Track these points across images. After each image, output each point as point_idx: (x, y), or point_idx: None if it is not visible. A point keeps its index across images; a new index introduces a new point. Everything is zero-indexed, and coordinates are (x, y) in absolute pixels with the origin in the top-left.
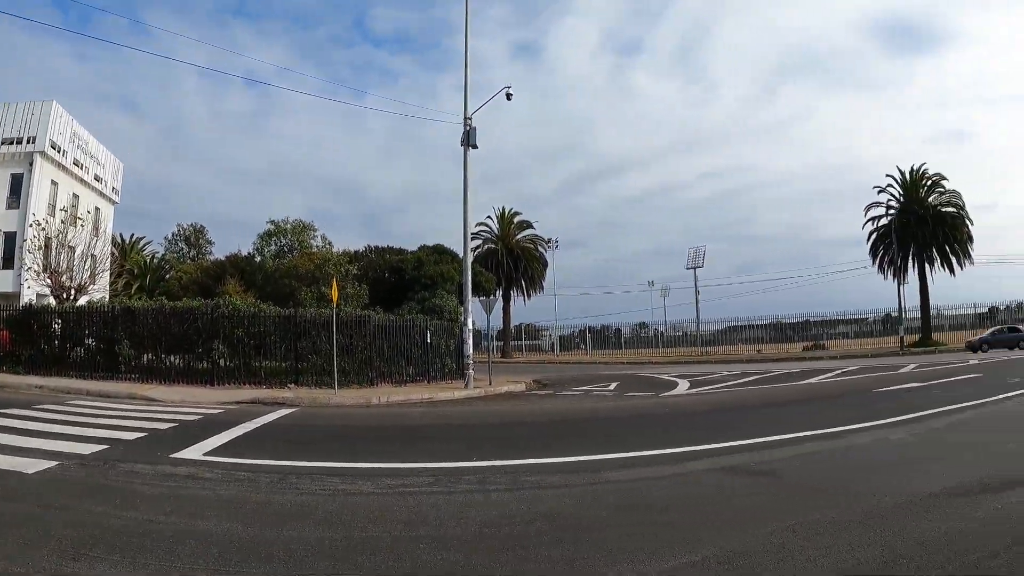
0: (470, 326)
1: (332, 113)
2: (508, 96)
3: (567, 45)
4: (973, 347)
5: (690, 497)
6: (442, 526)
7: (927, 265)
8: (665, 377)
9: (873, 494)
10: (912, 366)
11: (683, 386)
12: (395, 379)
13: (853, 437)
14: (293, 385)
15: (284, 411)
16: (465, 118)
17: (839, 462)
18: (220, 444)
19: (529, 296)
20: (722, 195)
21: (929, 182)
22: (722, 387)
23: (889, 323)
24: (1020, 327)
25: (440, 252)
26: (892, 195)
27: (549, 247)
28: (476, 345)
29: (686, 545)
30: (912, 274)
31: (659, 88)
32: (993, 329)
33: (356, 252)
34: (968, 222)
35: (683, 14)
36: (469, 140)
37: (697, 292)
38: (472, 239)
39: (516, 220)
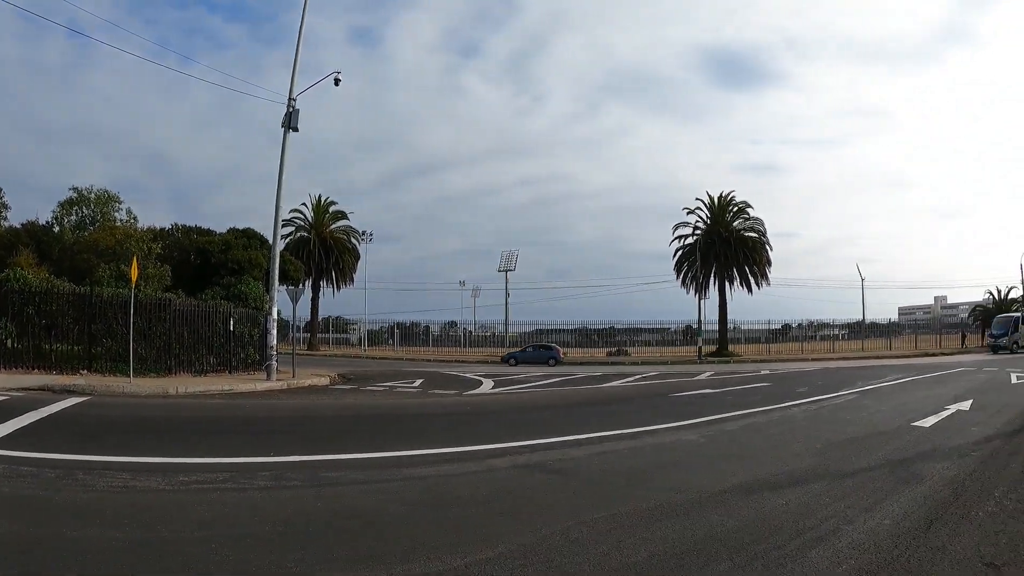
0: (274, 315)
1: (153, 77)
2: (336, 81)
3: (406, 38)
4: (504, 360)
5: (491, 493)
6: (237, 524)
7: (727, 283)
8: (470, 376)
9: (666, 491)
10: (708, 374)
11: (487, 385)
12: (195, 368)
13: (649, 438)
14: (86, 371)
15: (75, 400)
16: (290, 98)
17: (635, 461)
18: (1, 435)
19: (339, 288)
20: (539, 202)
21: (735, 208)
22: (526, 387)
23: (689, 334)
24: (553, 345)
25: (250, 236)
26: (700, 217)
27: (363, 239)
28: (282, 336)
29: (485, 540)
30: (713, 290)
31: (489, 93)
32: (527, 346)
33: (162, 230)
34: (768, 247)
35: (523, 25)
36: (291, 122)
37: (507, 294)
38: (284, 225)
39: (331, 210)
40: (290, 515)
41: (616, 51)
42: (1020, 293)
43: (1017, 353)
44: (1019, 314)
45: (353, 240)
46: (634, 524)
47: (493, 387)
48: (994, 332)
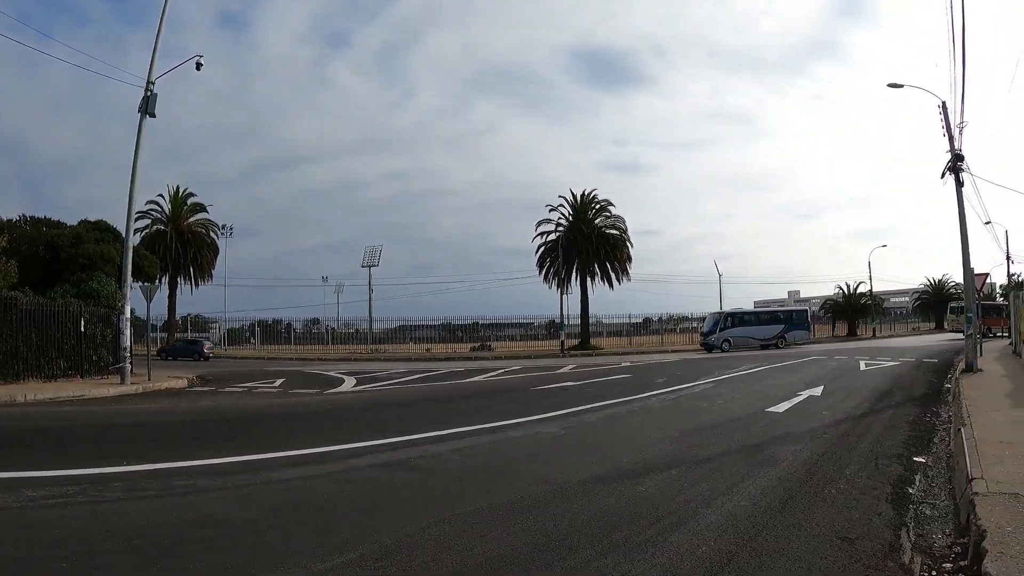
0: (127, 314)
1: (6, 53)
2: (198, 66)
3: (275, 25)
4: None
5: (352, 494)
6: (88, 541)
7: (589, 279)
8: (332, 374)
9: (528, 483)
10: (570, 367)
11: (350, 383)
12: (45, 373)
13: (511, 431)
14: None
15: None
16: (148, 81)
17: (497, 455)
18: None
19: (198, 285)
20: (404, 197)
21: (598, 206)
22: (388, 384)
23: (553, 328)
24: (200, 340)
25: (103, 229)
26: (563, 214)
27: (223, 233)
28: (139, 337)
29: (347, 542)
30: (575, 286)
31: (357, 85)
32: (176, 342)
33: (9, 221)
34: (629, 244)
35: (396, 18)
36: (148, 107)
37: (371, 290)
38: (139, 218)
39: (190, 202)
40: (144, 527)
41: (488, 48)
42: (868, 288)
43: (728, 352)
44: (733, 310)
45: (213, 234)
46: (496, 518)
47: (355, 385)
48: (704, 330)
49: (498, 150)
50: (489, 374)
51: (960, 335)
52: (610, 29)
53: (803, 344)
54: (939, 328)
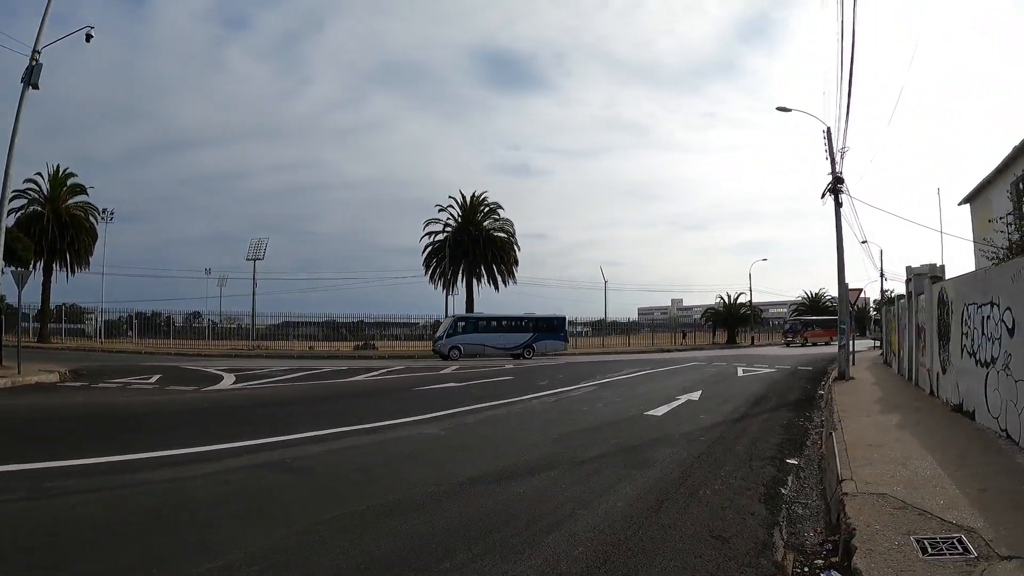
0: None
1: None
2: (88, 37)
3: (174, 0)
4: None
5: (229, 496)
6: None
7: (475, 280)
8: (211, 370)
9: (407, 485)
10: (453, 368)
11: (229, 380)
12: None
13: (391, 432)
14: None
15: None
16: (34, 50)
17: (376, 456)
18: None
19: (75, 272)
20: (292, 189)
21: (487, 208)
22: (269, 383)
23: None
24: None
25: None
26: (452, 215)
27: (104, 218)
28: (10, 327)
29: (222, 546)
30: (462, 287)
31: (253, 70)
32: None
33: None
34: (516, 247)
35: (300, 5)
36: (32, 78)
37: (255, 284)
38: (15, 197)
39: (70, 183)
40: (9, 532)
41: (390, 42)
42: (748, 299)
43: (454, 359)
44: (470, 314)
45: (93, 218)
46: (373, 520)
47: (235, 382)
48: (437, 334)
49: (391, 146)
50: (372, 374)
51: (787, 348)
52: (513, 34)
53: (559, 355)
54: None
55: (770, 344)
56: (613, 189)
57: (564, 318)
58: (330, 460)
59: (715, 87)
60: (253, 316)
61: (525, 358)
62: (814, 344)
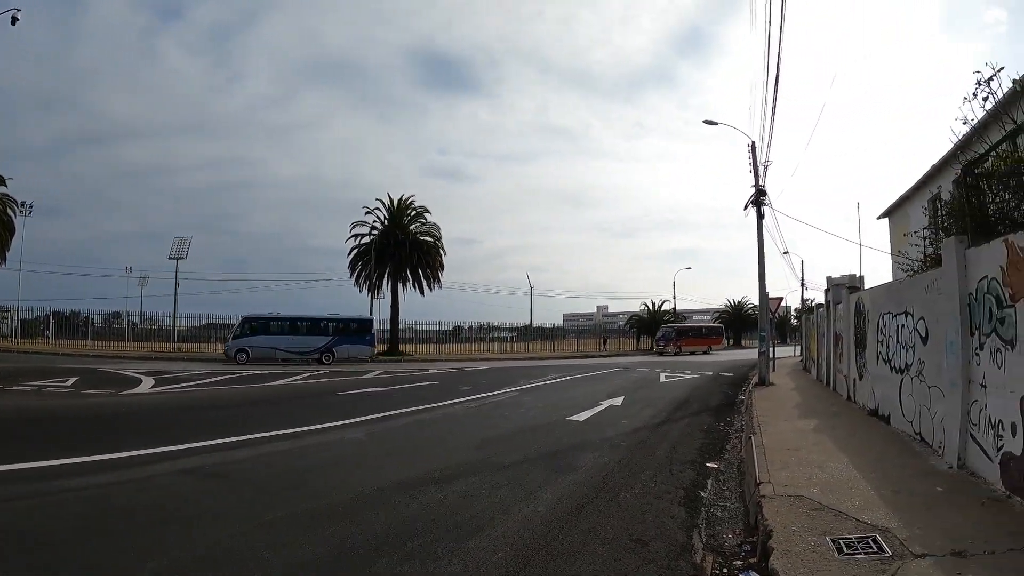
0: None
1: None
2: (14, 20)
3: None
4: None
5: (148, 504)
6: None
7: (401, 284)
8: (131, 373)
9: (329, 491)
10: (377, 372)
11: (148, 384)
12: None
13: (313, 437)
14: None
15: None
16: None
17: (299, 462)
18: None
19: None
20: (219, 187)
21: (414, 212)
22: (190, 386)
23: None
24: None
25: None
26: (379, 217)
27: (23, 212)
28: None
29: (140, 555)
30: (387, 290)
31: (185, 63)
32: None
33: None
34: (443, 252)
35: None
36: None
37: (177, 284)
38: None
39: None
40: None
41: (325, 40)
42: (672, 306)
43: (241, 363)
44: (262, 314)
45: (11, 211)
46: (295, 528)
47: (154, 386)
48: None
49: (322, 146)
50: (295, 378)
51: (660, 356)
52: (450, 37)
53: (365, 362)
54: (737, 345)
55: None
56: (543, 195)
57: (371, 320)
58: (254, 466)
59: (647, 98)
60: (175, 317)
61: (323, 363)
62: (691, 352)
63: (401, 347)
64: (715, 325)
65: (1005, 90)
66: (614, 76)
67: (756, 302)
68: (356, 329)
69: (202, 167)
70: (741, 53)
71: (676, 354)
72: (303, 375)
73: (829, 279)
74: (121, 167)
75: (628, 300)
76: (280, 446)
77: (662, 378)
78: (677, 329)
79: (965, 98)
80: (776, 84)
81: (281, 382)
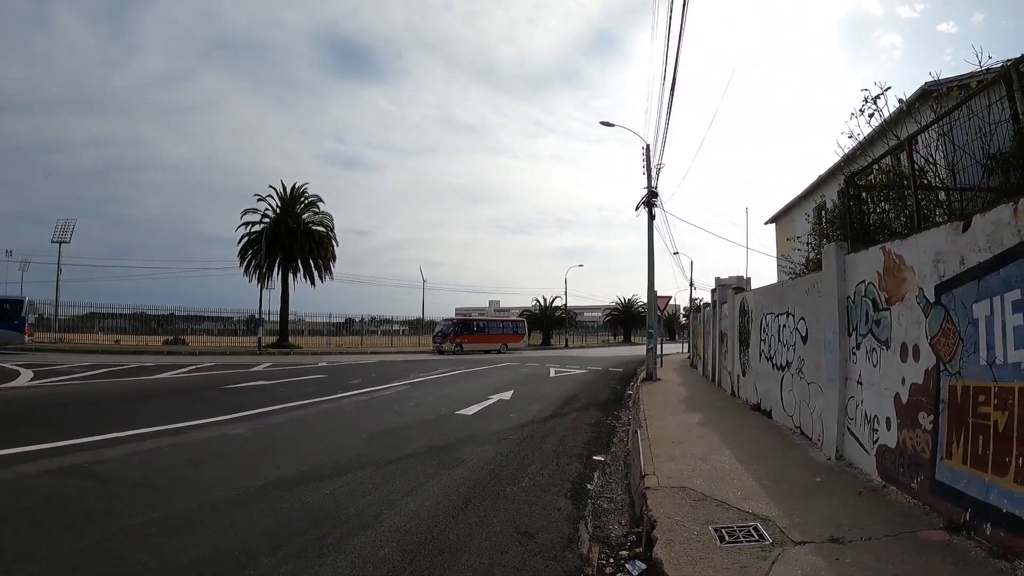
0: None
1: None
2: None
3: None
4: None
5: (20, 505)
6: None
7: (292, 275)
8: (8, 365)
9: (211, 489)
10: (265, 365)
11: (26, 376)
12: None
13: (195, 433)
14: None
15: None
16: None
17: (178, 459)
18: None
19: None
20: (108, 168)
21: (307, 201)
22: (70, 379)
23: (252, 324)
24: None
25: None
26: (271, 205)
27: None
28: None
29: (11, 560)
30: (278, 281)
31: (79, 34)
32: None
33: None
34: (335, 242)
35: None
36: None
37: (59, 270)
38: None
39: None
40: None
41: (227, 19)
42: (563, 302)
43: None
44: None
45: None
46: (175, 528)
47: (32, 379)
48: None
49: (217, 129)
50: (180, 370)
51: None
52: (355, 25)
53: (16, 349)
54: (627, 341)
55: (584, 347)
56: (440, 189)
57: (22, 300)
58: (131, 464)
59: (548, 97)
60: (56, 306)
61: None
62: (482, 352)
63: (291, 339)
64: (516, 319)
65: (892, 109)
66: (518, 74)
67: (646, 300)
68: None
69: (90, 146)
70: (643, 60)
71: (455, 352)
72: (189, 368)
73: (717, 280)
74: (4, 142)
75: (521, 296)
76: (160, 443)
77: (552, 373)
78: (460, 322)
79: (852, 114)
80: (672, 90)
81: (166, 375)
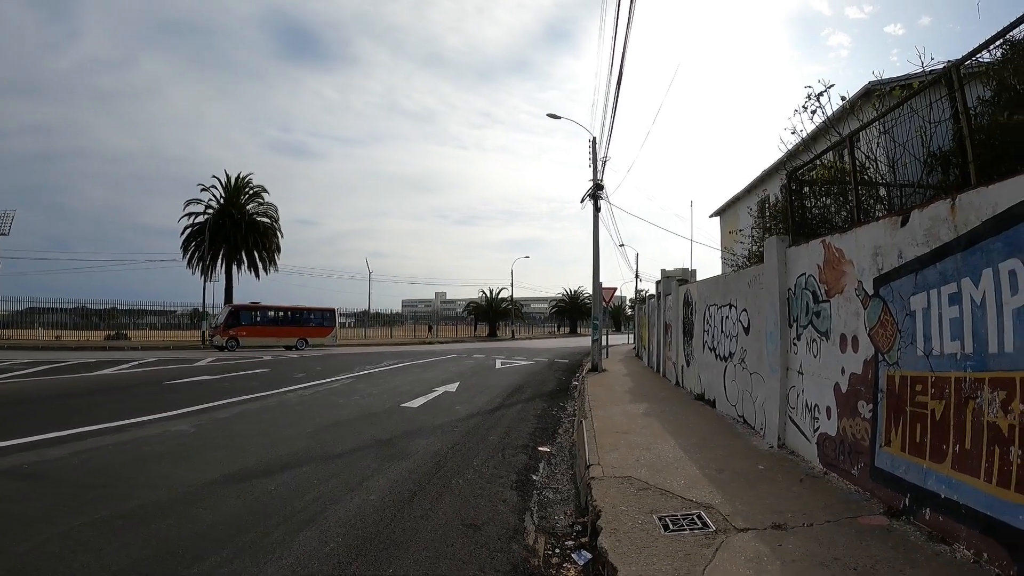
0: None
1: None
2: None
3: None
4: None
5: None
6: None
7: (236, 266)
8: None
9: (154, 487)
10: (209, 360)
11: None
12: None
13: (139, 430)
14: None
15: None
16: None
17: (121, 457)
18: None
19: None
20: (45, 156)
21: (251, 191)
22: (7, 377)
23: (196, 317)
24: None
25: None
26: (215, 196)
27: None
28: None
29: None
30: (221, 273)
31: (17, 13)
32: None
33: None
34: (280, 233)
35: None
36: None
37: None
38: None
39: None
40: None
41: (172, 3)
42: (509, 294)
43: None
44: None
45: None
46: (117, 528)
47: None
48: None
49: (159, 117)
50: (122, 366)
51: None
52: (303, 12)
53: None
54: (573, 333)
55: (531, 338)
56: (385, 179)
57: None
58: (72, 464)
59: (496, 89)
60: None
61: None
62: (244, 348)
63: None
64: (323, 308)
65: (836, 106)
66: (466, 65)
67: (592, 292)
68: None
69: (27, 132)
70: (592, 52)
71: (223, 348)
72: (131, 363)
73: (663, 271)
74: None
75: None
76: (102, 441)
77: (498, 364)
78: (236, 309)
79: (796, 110)
80: (619, 83)
81: (107, 371)
